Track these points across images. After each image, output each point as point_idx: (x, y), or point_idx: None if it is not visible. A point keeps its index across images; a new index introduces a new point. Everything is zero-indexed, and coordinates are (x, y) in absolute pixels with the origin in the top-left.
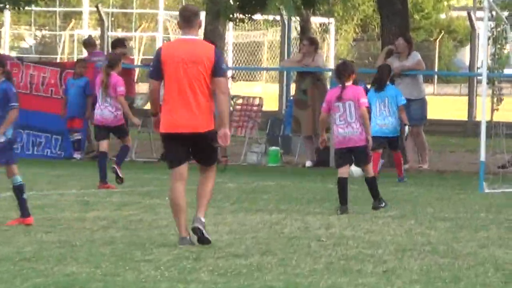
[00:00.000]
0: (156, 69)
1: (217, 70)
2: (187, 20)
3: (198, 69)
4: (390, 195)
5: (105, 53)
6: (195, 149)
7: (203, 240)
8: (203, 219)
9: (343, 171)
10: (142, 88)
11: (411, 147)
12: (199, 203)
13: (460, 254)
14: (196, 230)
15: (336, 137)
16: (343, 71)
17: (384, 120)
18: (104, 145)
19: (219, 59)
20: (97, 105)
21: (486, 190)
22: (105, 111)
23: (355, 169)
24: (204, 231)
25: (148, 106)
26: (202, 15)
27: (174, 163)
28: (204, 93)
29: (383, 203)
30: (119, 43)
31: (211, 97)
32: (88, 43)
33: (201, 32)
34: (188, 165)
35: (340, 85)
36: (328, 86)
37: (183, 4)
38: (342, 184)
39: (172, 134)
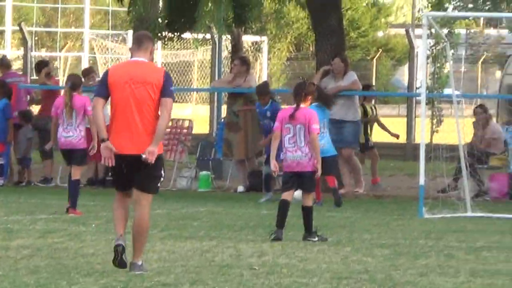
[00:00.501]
0: (102, 88)
1: (165, 91)
2: (139, 42)
3: (146, 90)
4: (326, 221)
5: (29, 73)
6: (137, 173)
7: (124, 262)
8: (139, 262)
9: (286, 195)
10: None
11: (346, 171)
12: (134, 246)
13: (399, 282)
14: (118, 248)
15: (284, 160)
16: (300, 90)
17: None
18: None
19: (168, 81)
20: (61, 128)
21: (426, 216)
22: (70, 133)
23: (298, 195)
24: (125, 253)
25: None
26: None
27: (121, 187)
28: (150, 115)
29: (316, 238)
30: (43, 64)
31: (158, 120)
32: (1, 64)
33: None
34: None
35: (295, 105)
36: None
37: (110, 22)
38: (284, 206)
39: (117, 155)
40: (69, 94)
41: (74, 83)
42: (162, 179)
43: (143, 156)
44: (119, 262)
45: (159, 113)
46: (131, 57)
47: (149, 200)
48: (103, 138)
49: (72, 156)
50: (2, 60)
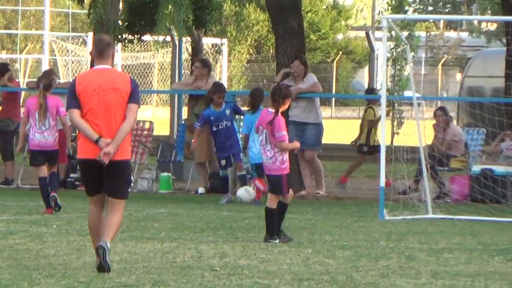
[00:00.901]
0: (72, 100)
1: (134, 98)
2: (100, 52)
3: (115, 96)
4: (287, 222)
5: None
6: (108, 178)
7: (102, 265)
8: (109, 244)
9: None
10: None
11: (307, 173)
12: (106, 232)
13: (360, 283)
14: (99, 250)
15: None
16: (277, 95)
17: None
18: (44, 170)
19: (135, 88)
20: (33, 129)
21: (387, 217)
22: (44, 134)
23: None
24: (107, 254)
25: None
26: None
27: (90, 191)
28: (120, 120)
29: (276, 240)
30: (4, 68)
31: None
32: None
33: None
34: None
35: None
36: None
37: (70, 25)
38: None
39: (88, 160)
40: (44, 95)
41: (46, 84)
42: (131, 184)
43: (98, 157)
44: (100, 265)
45: (126, 115)
46: (93, 63)
47: (122, 204)
48: (96, 139)
49: (48, 156)
50: None
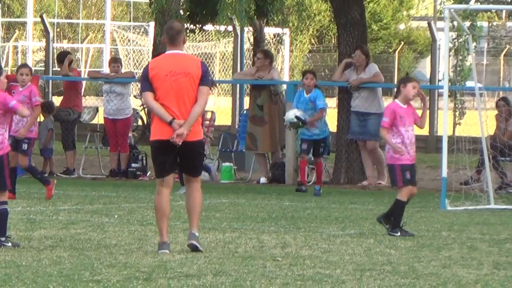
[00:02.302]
0: (146, 84)
1: (204, 79)
2: (171, 38)
3: (187, 80)
4: (348, 213)
5: (51, 65)
6: (182, 159)
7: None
8: (196, 233)
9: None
10: (89, 102)
11: (369, 163)
12: (191, 219)
13: (422, 274)
14: (191, 247)
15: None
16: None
17: None
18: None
19: (206, 71)
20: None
21: (448, 208)
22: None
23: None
24: (199, 247)
25: (95, 121)
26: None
27: (162, 172)
28: (192, 103)
29: (398, 232)
30: (63, 55)
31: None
32: None
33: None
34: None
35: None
36: (284, 100)
37: (131, 14)
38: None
39: (162, 141)
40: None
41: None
42: (205, 158)
43: (171, 138)
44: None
45: (197, 97)
46: (154, 53)
47: (199, 181)
48: (170, 120)
49: (18, 143)
50: None
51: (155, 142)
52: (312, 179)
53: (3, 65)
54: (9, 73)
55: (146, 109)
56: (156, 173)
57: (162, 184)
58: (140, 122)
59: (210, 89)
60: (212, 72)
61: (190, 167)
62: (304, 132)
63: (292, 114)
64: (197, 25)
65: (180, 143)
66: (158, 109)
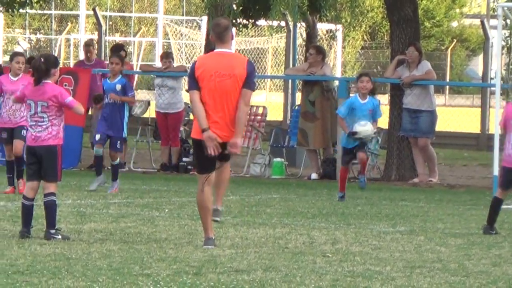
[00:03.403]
0: (193, 82)
1: (248, 83)
2: (219, 36)
3: (231, 82)
4: (398, 210)
5: (103, 58)
6: (221, 153)
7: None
8: (220, 208)
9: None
10: (141, 96)
11: (420, 160)
12: (217, 192)
13: (472, 272)
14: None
15: (508, 155)
16: None
17: None
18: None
19: (251, 72)
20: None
21: (503, 206)
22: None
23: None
24: (218, 219)
25: (147, 115)
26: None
27: (205, 169)
28: (234, 105)
29: (494, 231)
30: (118, 48)
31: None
32: None
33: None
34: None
35: None
36: (336, 96)
37: (184, 8)
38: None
39: (201, 140)
40: None
41: None
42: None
43: (227, 149)
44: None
45: (239, 102)
46: (207, 48)
47: (229, 162)
48: (204, 128)
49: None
50: None
51: (196, 139)
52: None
53: None
54: (61, 65)
55: None
56: (197, 170)
57: (204, 182)
58: (191, 117)
59: (253, 91)
60: (264, 68)
61: (224, 157)
62: (348, 142)
63: (369, 128)
64: (250, 20)
65: (238, 152)
66: (198, 112)
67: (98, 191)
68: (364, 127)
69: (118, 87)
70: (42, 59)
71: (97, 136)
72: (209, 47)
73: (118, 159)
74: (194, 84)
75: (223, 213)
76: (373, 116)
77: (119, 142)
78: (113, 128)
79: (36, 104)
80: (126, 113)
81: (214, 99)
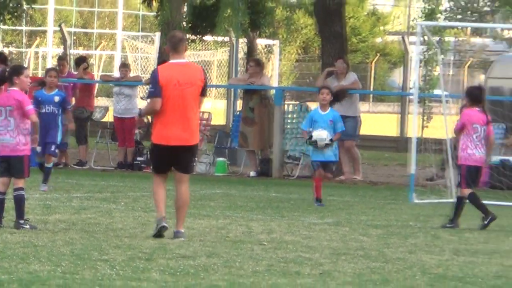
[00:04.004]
0: (156, 89)
1: (205, 90)
2: (174, 46)
3: (192, 90)
4: (327, 204)
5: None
6: (178, 158)
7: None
8: (182, 230)
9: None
10: (101, 102)
11: (346, 160)
12: (178, 215)
13: (390, 258)
14: (163, 230)
15: (469, 155)
16: (482, 95)
17: None
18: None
19: (206, 78)
20: None
21: (415, 201)
22: None
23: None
24: (183, 236)
25: (106, 119)
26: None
27: (160, 170)
28: (195, 111)
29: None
30: (81, 60)
31: (198, 114)
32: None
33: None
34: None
35: (477, 108)
36: (273, 103)
37: (140, 25)
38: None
39: (162, 145)
40: None
41: None
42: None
43: None
44: (158, 236)
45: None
46: (160, 59)
47: (188, 178)
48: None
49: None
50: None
51: (156, 145)
52: (296, 174)
53: None
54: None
55: None
56: (153, 169)
57: (159, 181)
58: (146, 121)
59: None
60: (210, 78)
61: (184, 166)
62: (317, 155)
63: (324, 135)
64: (198, 36)
65: None
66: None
67: (62, 187)
68: (318, 133)
69: (56, 98)
70: (7, 69)
71: (38, 149)
72: (161, 59)
73: (52, 162)
74: (158, 92)
75: (185, 234)
76: (335, 129)
77: (54, 146)
78: (49, 135)
79: (5, 109)
80: (60, 123)
81: (178, 107)
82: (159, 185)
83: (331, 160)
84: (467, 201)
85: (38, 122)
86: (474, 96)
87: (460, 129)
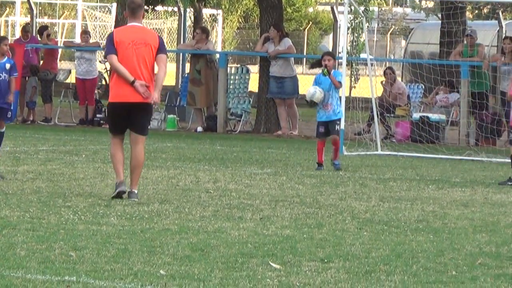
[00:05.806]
0: (111, 48)
1: (161, 49)
2: (132, 11)
3: (147, 50)
4: (266, 155)
5: (34, 35)
6: (134, 118)
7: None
8: (136, 191)
9: None
10: (64, 65)
11: (284, 117)
12: (132, 176)
13: (323, 204)
14: (121, 194)
15: None
16: None
17: None
18: None
19: (162, 42)
20: None
21: (345, 153)
22: None
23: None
24: (135, 197)
25: (68, 80)
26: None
27: (117, 131)
28: (149, 69)
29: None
30: (43, 29)
31: (154, 73)
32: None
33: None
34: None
35: None
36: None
37: None
38: None
39: (119, 103)
40: None
41: None
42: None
43: (143, 95)
44: (117, 197)
45: (156, 67)
46: (127, 22)
47: (143, 140)
48: (132, 80)
49: None
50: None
51: (112, 103)
52: (238, 129)
53: None
54: None
55: (108, 72)
56: (110, 130)
57: (116, 141)
58: (104, 82)
59: (166, 55)
60: None
61: (140, 127)
62: (320, 115)
63: (312, 90)
64: (150, 6)
65: (148, 100)
66: (122, 70)
67: (29, 141)
68: (309, 91)
69: (8, 66)
70: None
71: None
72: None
73: (4, 127)
74: (112, 49)
75: (138, 195)
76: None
77: (9, 112)
78: (5, 100)
79: None
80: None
81: (132, 65)
82: (117, 147)
83: (332, 119)
84: None
85: None
86: None
87: None
